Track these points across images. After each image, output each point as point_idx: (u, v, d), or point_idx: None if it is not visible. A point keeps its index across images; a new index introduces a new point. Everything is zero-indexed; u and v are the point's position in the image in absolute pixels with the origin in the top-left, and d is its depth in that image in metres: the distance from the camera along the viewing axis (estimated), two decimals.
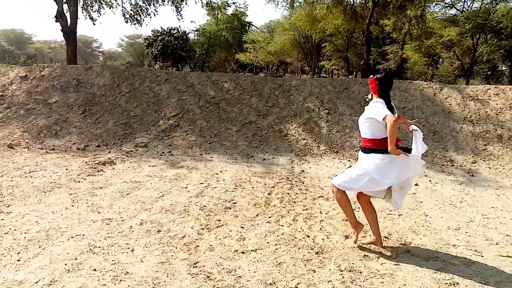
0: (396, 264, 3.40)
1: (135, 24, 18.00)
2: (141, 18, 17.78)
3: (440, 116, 9.19)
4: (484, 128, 8.65)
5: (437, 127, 8.87)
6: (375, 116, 3.38)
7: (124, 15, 17.72)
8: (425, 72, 24.36)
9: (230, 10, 26.84)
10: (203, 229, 4.04)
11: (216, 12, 26.12)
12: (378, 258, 3.51)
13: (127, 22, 17.95)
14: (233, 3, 25.56)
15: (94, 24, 21.66)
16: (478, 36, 18.95)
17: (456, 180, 6.72)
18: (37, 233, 3.76)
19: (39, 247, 3.46)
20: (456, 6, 19.41)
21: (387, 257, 3.54)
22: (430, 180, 6.61)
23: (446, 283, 3.09)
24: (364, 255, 3.54)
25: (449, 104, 9.54)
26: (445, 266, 3.39)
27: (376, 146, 3.50)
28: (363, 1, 16.96)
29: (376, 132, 3.51)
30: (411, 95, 10.00)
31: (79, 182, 5.68)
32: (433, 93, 9.97)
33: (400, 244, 3.85)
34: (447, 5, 19.70)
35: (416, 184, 6.27)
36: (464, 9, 19.18)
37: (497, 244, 3.95)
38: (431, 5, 19.29)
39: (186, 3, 17.32)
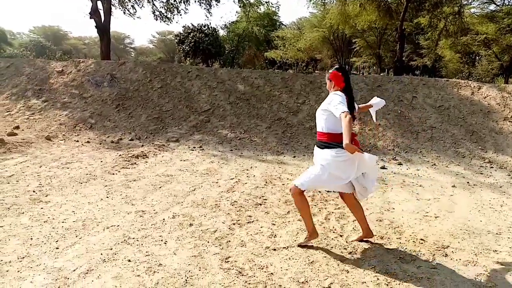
0: (433, 268, 3.28)
1: (165, 21, 18.25)
2: (171, 15, 17.98)
3: (478, 116, 8.84)
4: None
5: (476, 127, 8.54)
6: (332, 110, 3.27)
7: (154, 12, 17.99)
8: (461, 70, 23.54)
9: (262, 8, 26.85)
10: (234, 224, 4.04)
11: (248, 9, 26.18)
12: (414, 260, 3.39)
13: (156, 20, 18.22)
14: (266, 2, 25.55)
15: (134, 19, 22.16)
16: None
17: (496, 183, 6.44)
18: (74, 222, 3.86)
19: (76, 236, 3.55)
20: (495, 2, 18.60)
21: (424, 260, 3.42)
22: (468, 182, 6.36)
23: None
24: (400, 257, 3.43)
25: (488, 104, 9.16)
26: (485, 272, 3.24)
27: (331, 141, 3.39)
28: None
29: (331, 126, 3.40)
30: (447, 93, 9.66)
31: (113, 174, 5.80)
32: (471, 92, 9.61)
33: (437, 247, 3.71)
34: (485, 1, 18.93)
35: (454, 186, 6.05)
36: (504, 4, 18.35)
37: None
38: (468, 1, 18.61)
39: (218, 1, 17.37)
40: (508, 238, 4.06)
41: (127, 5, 17.70)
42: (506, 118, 8.64)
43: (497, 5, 18.52)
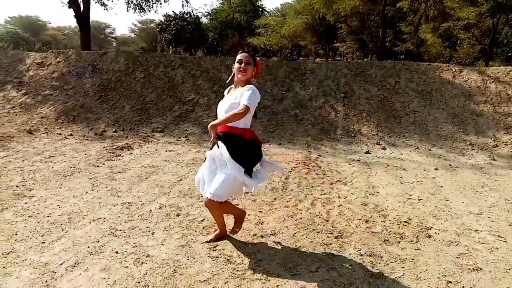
0: (417, 249, 3.36)
1: (140, 12, 17.82)
2: (150, 4, 17.57)
3: (460, 99, 8.99)
4: (505, 111, 8.43)
5: (457, 110, 8.69)
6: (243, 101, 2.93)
7: (128, 3, 17.55)
8: (442, 54, 23.79)
9: None
10: None
11: None
12: (399, 242, 3.47)
13: (127, 11, 17.88)
14: None
15: (106, 10, 21.59)
16: (498, 16, 18.35)
17: (477, 164, 6.60)
18: (59, 216, 3.83)
19: (62, 230, 3.52)
20: None
21: (408, 242, 3.50)
22: (450, 164, 6.50)
23: (469, 269, 3.04)
24: (384, 239, 3.51)
25: (469, 87, 9.32)
26: (467, 252, 3.33)
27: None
28: None
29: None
30: (429, 77, 9.78)
31: (98, 166, 5.74)
32: (452, 76, 9.75)
33: (420, 229, 3.80)
34: None
35: (436, 169, 6.17)
36: None
37: None
38: None
39: None
40: (489, 217, 4.18)
41: None
42: (487, 100, 8.81)
43: None
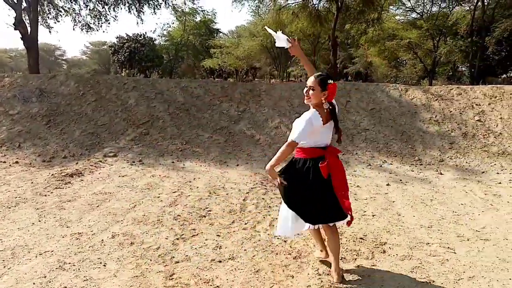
0: (373, 266, 3.43)
1: (87, 31, 17.47)
2: (99, 24, 17.25)
3: (407, 117, 9.45)
4: (449, 127, 8.95)
5: (405, 127, 9.11)
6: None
7: (75, 21, 17.17)
8: (388, 74, 25.10)
9: (198, 17, 26.80)
10: (178, 239, 3.95)
11: (184, 18, 25.98)
12: (355, 260, 3.53)
13: (73, 29, 17.55)
14: (202, 10, 25.51)
15: (50, 33, 21.02)
16: (438, 38, 19.73)
17: (426, 179, 6.91)
18: (1, 251, 3.56)
19: (4, 266, 3.27)
20: (416, 10, 20.16)
21: (364, 258, 3.57)
22: (400, 180, 6.76)
23: (423, 282, 3.14)
24: (341, 257, 3.55)
25: (415, 105, 9.83)
26: (420, 265, 3.44)
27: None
28: (328, 6, 17.34)
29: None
30: (378, 97, 10.23)
31: (45, 195, 5.44)
32: (399, 95, 10.25)
33: (375, 244, 3.89)
34: (408, 8, 20.45)
35: (388, 184, 6.40)
36: (423, 12, 19.95)
37: (468, 240, 4.06)
38: (392, 8, 20.04)
39: (151, 7, 16.98)
40: (439, 230, 4.36)
41: (48, 17, 16.77)
42: (432, 117, 9.32)
43: (418, 13, 20.07)
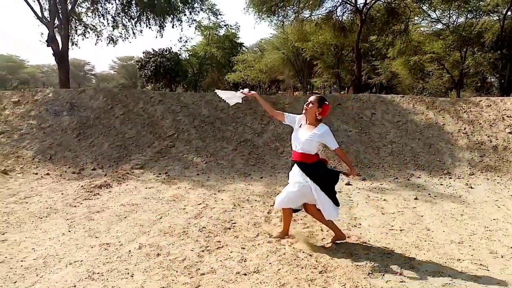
0: (402, 281, 3.34)
1: (111, 43, 18.05)
2: (124, 37, 17.80)
3: (434, 129, 9.25)
4: (478, 139, 8.71)
5: (432, 140, 8.92)
6: (328, 143, 4.02)
7: (97, 36, 17.78)
8: (415, 86, 24.72)
9: (221, 31, 27.25)
10: (203, 251, 3.97)
11: (208, 33, 26.46)
12: (383, 275, 3.45)
13: (96, 45, 18.17)
14: (225, 25, 25.94)
15: (78, 47, 21.72)
16: (465, 49, 19.33)
17: (455, 193, 6.72)
18: (34, 260, 3.67)
19: (37, 275, 3.37)
20: (442, 21, 19.83)
21: (392, 273, 3.48)
22: (429, 194, 6.60)
23: None
24: (369, 272, 3.48)
25: (443, 117, 9.62)
26: (451, 282, 3.34)
27: (313, 161, 4.06)
28: (352, 18, 17.33)
29: (313, 149, 4.06)
30: (404, 109, 10.08)
31: (75, 206, 5.59)
32: (425, 107, 10.07)
33: (404, 260, 3.79)
34: (433, 20, 20.15)
35: (416, 198, 6.25)
36: (449, 23, 19.59)
37: (502, 257, 3.91)
38: (417, 19, 19.79)
39: (174, 21, 17.37)
40: (470, 246, 4.22)
41: (74, 35, 17.45)
42: (460, 130, 9.09)
43: (444, 24, 19.73)
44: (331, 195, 4.02)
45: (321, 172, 4.01)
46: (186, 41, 26.25)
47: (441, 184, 7.26)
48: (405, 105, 10.21)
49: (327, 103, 4.04)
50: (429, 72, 24.05)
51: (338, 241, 4.21)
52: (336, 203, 4.08)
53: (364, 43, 19.96)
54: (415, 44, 19.27)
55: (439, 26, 20.36)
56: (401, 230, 4.71)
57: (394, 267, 3.60)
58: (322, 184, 3.96)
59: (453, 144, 8.72)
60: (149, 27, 17.43)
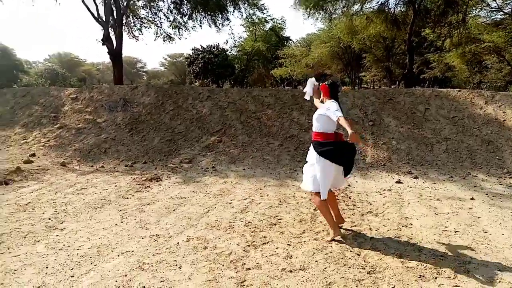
0: (456, 286, 3.17)
1: (168, 40, 18.55)
2: (179, 33, 18.26)
3: (494, 125, 8.68)
4: None
5: (491, 136, 8.38)
6: (330, 114, 3.95)
7: (157, 33, 18.35)
8: (472, 79, 23.31)
9: (267, 26, 27.18)
10: (249, 246, 3.99)
11: (254, 28, 26.51)
12: (436, 279, 3.29)
13: (155, 40, 18.67)
14: (271, 19, 25.85)
15: (137, 41, 22.57)
16: None
17: None
18: (89, 249, 3.86)
19: (91, 263, 3.54)
20: (503, 10, 18.46)
21: (445, 277, 3.31)
22: (487, 194, 6.20)
23: None
24: (420, 275, 3.33)
25: (503, 112, 9.00)
26: None
27: (325, 139, 4.09)
28: (404, 9, 16.62)
29: (327, 126, 4.12)
30: (460, 104, 9.54)
31: (127, 198, 5.82)
32: (484, 101, 9.46)
33: (458, 263, 3.59)
34: (493, 9, 18.80)
35: (472, 198, 5.90)
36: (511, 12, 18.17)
37: None
38: (475, 10, 18.57)
39: (223, 15, 17.55)
40: None
41: (133, 29, 18.16)
42: None
43: (505, 13, 18.37)
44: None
45: (320, 150, 4.07)
46: (238, 38, 26.49)
47: (500, 184, 6.80)
48: (462, 100, 9.66)
49: (321, 84, 4.37)
50: (487, 65, 22.55)
51: (336, 238, 4.17)
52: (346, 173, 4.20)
53: (416, 36, 19.09)
54: (473, 35, 18.12)
55: (499, 15, 19.00)
56: (455, 232, 4.46)
57: (447, 271, 3.42)
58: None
59: None
60: (200, 25, 17.78)
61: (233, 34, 34.19)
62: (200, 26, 17.76)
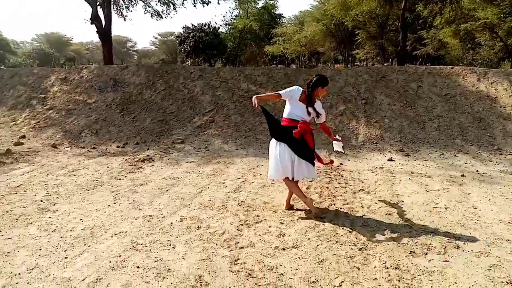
0: (445, 261, 3.23)
1: (156, 18, 18.30)
2: (166, 11, 17.99)
3: (485, 103, 8.72)
4: None
5: (483, 114, 8.43)
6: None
7: (146, 7, 18.07)
8: (464, 56, 23.25)
9: (260, 3, 26.76)
10: (242, 225, 4.02)
11: (247, 5, 26.07)
12: (426, 254, 3.35)
13: (144, 13, 18.34)
14: None
15: (124, 20, 22.20)
16: None
17: (506, 170, 6.35)
18: (82, 230, 3.87)
19: (84, 244, 3.55)
20: None
21: (435, 253, 3.37)
22: (477, 171, 6.28)
23: (502, 282, 2.90)
24: (411, 251, 3.39)
25: (495, 90, 9.03)
26: (499, 263, 3.18)
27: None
28: None
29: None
30: (453, 81, 9.54)
31: (120, 179, 5.81)
32: (477, 79, 9.48)
33: (448, 239, 3.65)
34: None
35: (463, 175, 5.97)
36: None
37: None
38: None
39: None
40: None
41: (121, 7, 17.80)
42: None
43: None
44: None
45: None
46: (231, 14, 26.07)
47: (491, 161, 6.88)
48: (454, 77, 9.66)
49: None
50: (479, 42, 22.46)
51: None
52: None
53: (410, 12, 18.91)
54: (466, 12, 17.99)
55: None
56: (446, 208, 4.53)
57: (437, 246, 3.48)
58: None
59: (505, 119, 8.19)
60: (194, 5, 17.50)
61: (227, 11, 33.65)
62: (194, 5, 17.48)
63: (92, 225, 4.01)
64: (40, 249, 3.43)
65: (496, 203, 4.75)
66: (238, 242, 3.58)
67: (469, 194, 5.11)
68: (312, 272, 3.05)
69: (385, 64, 25.00)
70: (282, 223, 4.06)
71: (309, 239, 3.66)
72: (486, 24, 17.80)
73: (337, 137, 4.51)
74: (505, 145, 7.47)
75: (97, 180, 5.74)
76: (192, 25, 29.11)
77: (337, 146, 4.46)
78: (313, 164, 4.28)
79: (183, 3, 17.74)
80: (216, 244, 3.54)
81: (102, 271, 3.05)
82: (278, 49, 27.08)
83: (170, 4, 17.70)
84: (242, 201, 4.76)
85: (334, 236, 3.72)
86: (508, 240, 3.64)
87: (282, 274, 3.02)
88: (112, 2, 16.50)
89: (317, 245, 3.52)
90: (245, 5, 26.18)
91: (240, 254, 3.35)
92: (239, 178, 5.87)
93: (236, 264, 3.18)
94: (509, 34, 18.88)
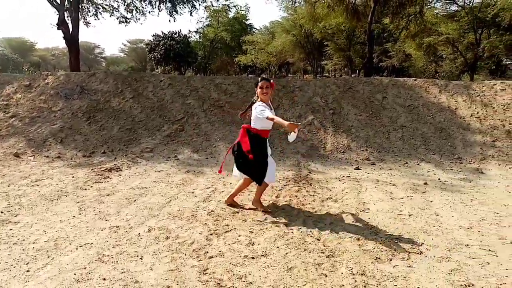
0: (409, 266, 3.34)
1: (124, 22, 18.14)
2: (132, 16, 17.87)
3: (446, 113, 9.11)
4: (491, 124, 8.56)
5: (444, 124, 8.80)
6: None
7: (112, 13, 17.88)
8: (427, 69, 24.25)
9: (231, 14, 26.98)
10: (211, 234, 4.00)
11: (217, 15, 26.20)
12: (391, 260, 3.45)
13: (110, 16, 18.23)
14: (234, 6, 25.68)
15: (88, 27, 21.89)
16: (480, 31, 18.84)
17: (466, 178, 6.65)
18: (45, 242, 3.74)
19: (48, 257, 3.44)
20: (457, 2, 19.30)
21: (400, 259, 3.48)
22: (439, 179, 6.54)
23: (461, 285, 3.03)
24: (376, 257, 3.49)
25: (455, 101, 9.46)
26: (459, 267, 3.33)
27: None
28: (365, 0, 16.95)
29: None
30: (416, 93, 9.92)
31: (86, 189, 5.66)
32: (438, 90, 9.90)
33: (412, 245, 3.79)
34: (448, 1, 19.62)
35: (425, 183, 6.20)
36: (465, 4, 19.06)
37: (511, 243, 3.88)
38: (431, 2, 19.30)
39: (184, 5, 17.36)
40: (479, 232, 4.19)
41: (88, 14, 17.56)
42: (473, 114, 8.94)
43: (459, 5, 19.21)
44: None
45: None
46: (201, 24, 26.12)
47: (452, 169, 7.18)
48: (417, 89, 10.05)
49: (272, 81, 4.77)
50: (442, 55, 23.53)
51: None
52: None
53: (376, 25, 19.58)
54: (429, 26, 18.83)
55: (454, 8, 19.88)
56: (409, 215, 4.69)
57: (401, 252, 3.60)
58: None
59: (465, 129, 8.59)
60: (159, 10, 17.48)
61: (198, 22, 33.66)
62: (160, 10, 17.43)
63: (56, 236, 3.89)
64: (0, 263, 3.30)
65: (457, 210, 4.96)
66: (207, 252, 3.57)
67: (431, 201, 5.31)
68: (280, 280, 3.08)
69: (352, 76, 25.67)
70: (251, 232, 4.08)
71: (278, 247, 3.69)
72: (448, 38, 18.68)
73: (291, 134, 4.53)
74: (465, 154, 7.82)
75: (61, 190, 5.57)
76: (163, 32, 28.97)
77: (291, 138, 4.61)
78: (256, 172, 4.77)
79: (151, 11, 17.66)
80: (185, 254, 3.52)
81: (67, 284, 2.96)
82: (249, 59, 27.33)
83: (138, 11, 17.62)
84: (211, 211, 4.75)
85: (302, 244, 3.77)
86: (468, 245, 3.81)
87: (251, 282, 3.04)
88: (80, 8, 16.22)
89: (286, 253, 3.56)
90: (216, 14, 26.30)
91: (209, 264, 3.33)
92: (209, 188, 5.85)
93: (205, 274, 3.17)
94: (468, 49, 19.89)
